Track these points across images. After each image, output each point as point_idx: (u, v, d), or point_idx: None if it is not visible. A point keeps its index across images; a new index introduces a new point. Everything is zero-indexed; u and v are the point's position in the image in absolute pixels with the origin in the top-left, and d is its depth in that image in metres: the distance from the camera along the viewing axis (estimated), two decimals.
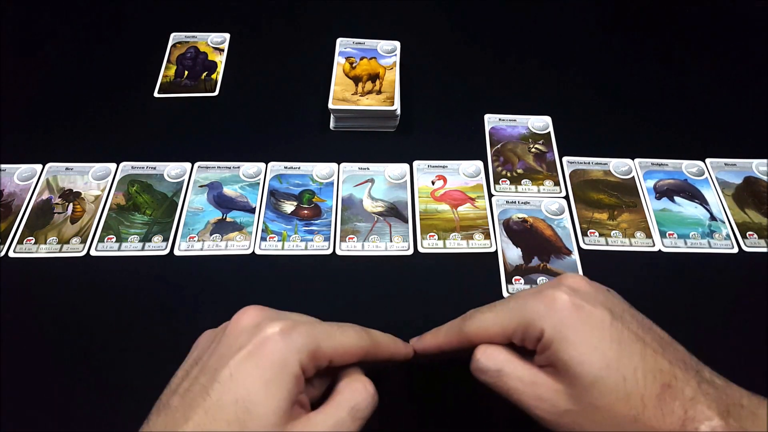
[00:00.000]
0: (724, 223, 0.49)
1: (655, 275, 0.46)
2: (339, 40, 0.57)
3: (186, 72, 0.59)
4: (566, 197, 0.50)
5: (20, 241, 0.46)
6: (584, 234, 0.48)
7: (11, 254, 0.46)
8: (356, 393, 0.29)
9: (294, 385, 0.27)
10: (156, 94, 0.57)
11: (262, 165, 0.52)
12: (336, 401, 0.29)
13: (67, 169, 0.51)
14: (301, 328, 0.28)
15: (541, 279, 0.45)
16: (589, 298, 0.30)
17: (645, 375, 0.27)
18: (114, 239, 0.47)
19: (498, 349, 0.31)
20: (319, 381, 0.30)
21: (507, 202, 0.50)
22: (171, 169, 0.51)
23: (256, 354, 0.27)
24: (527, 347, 0.30)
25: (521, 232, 0.48)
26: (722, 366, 0.42)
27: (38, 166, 0.51)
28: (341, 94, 0.52)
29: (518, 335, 0.30)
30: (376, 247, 0.47)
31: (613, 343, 0.28)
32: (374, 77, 0.54)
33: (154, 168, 0.51)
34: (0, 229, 0.47)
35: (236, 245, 0.46)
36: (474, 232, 0.48)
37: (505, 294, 0.44)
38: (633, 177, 0.51)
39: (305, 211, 0.49)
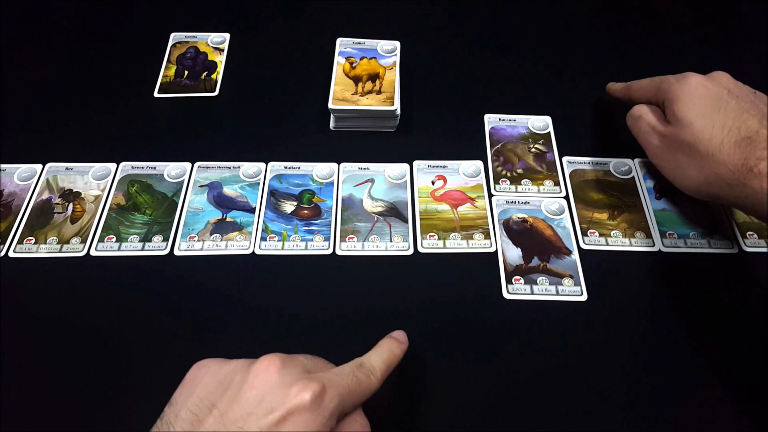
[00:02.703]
0: (723, 223, 0.49)
1: (655, 275, 0.46)
2: (339, 40, 0.57)
3: (186, 72, 0.59)
4: (566, 197, 0.50)
5: (20, 241, 0.46)
6: (584, 234, 0.48)
7: (11, 254, 0.46)
8: None
9: None
10: (156, 94, 0.57)
11: (262, 165, 0.52)
12: None
13: (67, 169, 0.51)
14: (331, 393, 0.28)
15: (541, 279, 0.45)
16: (716, 83, 0.41)
17: (731, 128, 0.38)
18: (114, 239, 0.47)
19: (647, 107, 0.45)
20: None
21: (507, 202, 0.50)
22: (171, 169, 0.51)
23: (289, 422, 0.27)
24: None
25: (521, 232, 0.48)
26: (722, 366, 0.42)
27: (38, 166, 0.51)
28: (341, 94, 0.52)
29: (656, 98, 0.45)
30: (376, 247, 0.47)
31: (714, 106, 0.39)
32: (374, 77, 0.54)
33: (154, 168, 0.51)
34: (0, 229, 0.47)
35: (236, 245, 0.46)
36: (474, 232, 0.48)
37: (505, 294, 0.44)
38: (633, 177, 0.51)
39: (305, 211, 0.49)
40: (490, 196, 0.50)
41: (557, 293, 0.44)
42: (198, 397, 0.28)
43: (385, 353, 0.34)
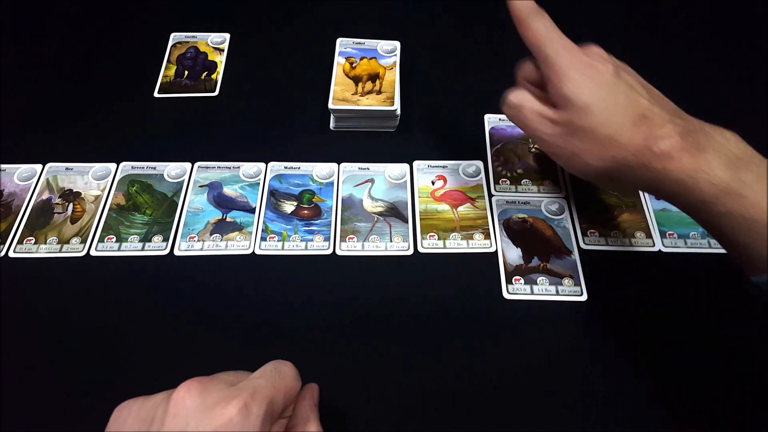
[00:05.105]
0: None
1: (655, 275, 0.46)
2: (339, 40, 0.57)
3: (186, 72, 0.59)
4: (566, 197, 0.50)
5: (20, 241, 0.46)
6: (584, 234, 0.48)
7: (11, 254, 0.46)
8: None
9: None
10: (156, 94, 0.57)
11: (262, 165, 0.52)
12: None
13: (67, 169, 0.51)
14: (257, 399, 0.28)
15: (541, 279, 0.45)
16: (601, 59, 0.38)
17: (626, 108, 0.35)
18: (114, 239, 0.47)
19: (523, 91, 0.40)
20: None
21: (507, 202, 0.50)
22: (171, 169, 0.51)
23: None
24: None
25: (521, 232, 0.48)
26: (722, 366, 0.42)
27: (38, 166, 0.51)
28: (341, 94, 0.52)
29: (537, 57, 0.39)
30: (376, 247, 0.47)
31: (607, 85, 0.36)
32: (374, 77, 0.54)
33: (154, 168, 0.51)
34: (0, 229, 0.47)
35: (236, 245, 0.46)
36: (474, 232, 0.48)
37: (505, 294, 0.44)
38: None
39: (305, 211, 0.49)
40: (490, 196, 0.50)
41: (557, 293, 0.44)
42: None
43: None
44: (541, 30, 0.39)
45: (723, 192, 0.32)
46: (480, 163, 0.52)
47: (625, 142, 0.34)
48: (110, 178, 0.50)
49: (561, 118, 0.37)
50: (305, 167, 0.52)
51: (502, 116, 0.56)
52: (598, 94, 0.36)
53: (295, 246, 0.46)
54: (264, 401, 0.28)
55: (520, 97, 0.40)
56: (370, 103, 0.52)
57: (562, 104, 0.37)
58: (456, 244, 0.47)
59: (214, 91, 0.57)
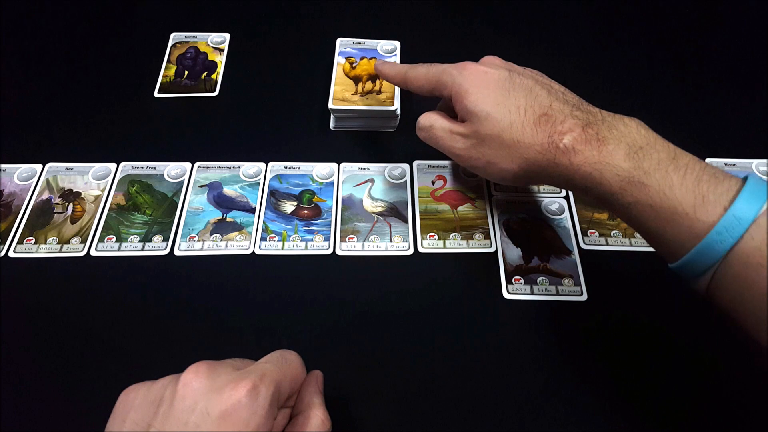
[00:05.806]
0: None
1: (655, 275, 0.46)
2: (339, 40, 0.57)
3: (186, 72, 0.59)
4: (566, 197, 0.50)
5: (20, 241, 0.46)
6: (584, 234, 0.48)
7: (11, 254, 0.46)
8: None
9: None
10: (156, 94, 0.57)
11: (262, 165, 0.52)
12: None
13: (67, 169, 0.51)
14: (265, 382, 0.28)
15: (541, 279, 0.45)
16: (495, 67, 0.40)
17: (526, 109, 0.36)
18: (114, 239, 0.47)
19: (433, 113, 0.42)
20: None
21: (507, 202, 0.50)
22: (171, 169, 0.51)
23: (228, 422, 0.26)
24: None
25: (521, 232, 0.48)
26: (723, 366, 0.42)
27: (38, 166, 0.51)
28: (341, 94, 0.52)
29: (437, 91, 0.41)
30: (376, 247, 0.47)
31: (503, 90, 0.37)
32: (374, 77, 0.54)
33: (154, 168, 0.51)
34: (0, 229, 0.47)
35: (236, 245, 0.46)
36: (474, 232, 0.48)
37: (505, 294, 0.44)
38: None
39: (305, 211, 0.49)
40: (490, 196, 0.50)
41: (557, 293, 0.44)
42: (132, 421, 0.28)
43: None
44: (423, 70, 0.42)
45: (627, 182, 0.32)
46: None
47: (530, 142, 0.35)
48: (110, 178, 0.50)
49: (468, 130, 0.38)
50: (305, 167, 0.52)
51: None
52: (497, 100, 0.37)
53: (295, 246, 0.46)
54: (272, 384, 0.28)
55: (429, 119, 0.42)
56: (370, 103, 0.52)
57: (467, 117, 0.38)
58: (456, 244, 0.47)
59: (214, 91, 0.57)
